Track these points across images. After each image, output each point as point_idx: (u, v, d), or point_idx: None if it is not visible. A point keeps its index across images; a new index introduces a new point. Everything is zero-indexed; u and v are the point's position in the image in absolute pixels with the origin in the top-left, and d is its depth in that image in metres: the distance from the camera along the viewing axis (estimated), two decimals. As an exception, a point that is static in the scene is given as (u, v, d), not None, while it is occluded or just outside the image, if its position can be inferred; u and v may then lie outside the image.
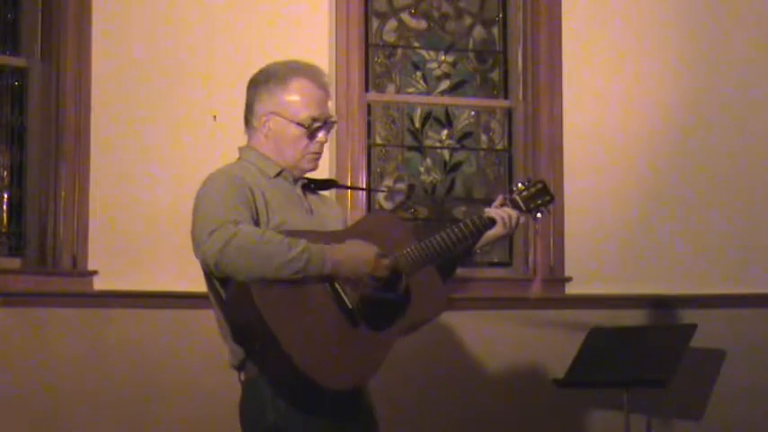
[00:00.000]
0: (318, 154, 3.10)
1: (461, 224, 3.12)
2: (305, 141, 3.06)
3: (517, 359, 5.39)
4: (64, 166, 4.87)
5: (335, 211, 3.23)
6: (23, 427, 4.69)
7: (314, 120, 3.05)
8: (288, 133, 3.05)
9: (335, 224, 3.11)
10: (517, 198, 3.23)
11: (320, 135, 3.07)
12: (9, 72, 4.97)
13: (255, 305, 2.76)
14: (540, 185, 3.27)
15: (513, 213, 3.20)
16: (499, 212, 3.18)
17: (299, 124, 3.04)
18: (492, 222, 3.16)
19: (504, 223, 3.17)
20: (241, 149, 3.12)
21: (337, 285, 2.87)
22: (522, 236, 5.48)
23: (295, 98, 3.04)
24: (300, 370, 2.75)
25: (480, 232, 3.16)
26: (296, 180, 3.10)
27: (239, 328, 2.87)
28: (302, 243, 2.81)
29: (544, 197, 3.26)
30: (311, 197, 3.13)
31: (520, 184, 3.27)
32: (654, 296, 5.55)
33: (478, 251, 3.26)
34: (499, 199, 3.24)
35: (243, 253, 2.76)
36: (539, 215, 3.26)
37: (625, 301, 5.49)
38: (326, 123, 3.08)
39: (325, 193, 3.27)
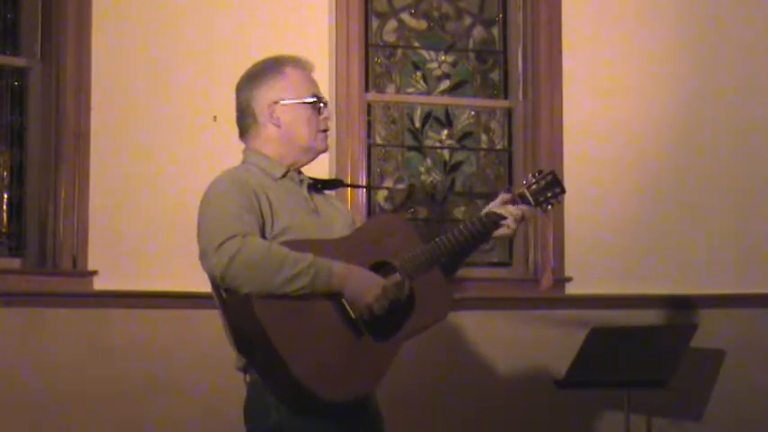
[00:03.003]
0: (327, 132, 3.11)
1: (469, 224, 3.08)
2: (315, 119, 3.07)
3: (517, 359, 5.39)
4: (64, 166, 4.87)
5: (342, 211, 3.21)
6: (23, 427, 4.69)
7: (316, 96, 3.07)
8: (297, 115, 3.05)
9: (342, 224, 3.09)
10: (526, 192, 3.16)
11: (326, 112, 3.10)
12: (9, 72, 4.97)
13: (256, 315, 2.75)
14: (549, 177, 3.19)
15: (520, 212, 3.14)
16: (507, 212, 3.12)
17: (305, 103, 3.05)
18: (501, 219, 3.12)
19: (513, 222, 3.12)
20: (245, 152, 3.11)
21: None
22: (522, 236, 5.48)
23: (294, 81, 3.07)
24: (302, 383, 2.74)
25: (489, 231, 3.12)
26: (301, 180, 3.10)
27: (241, 337, 2.86)
28: (309, 258, 2.81)
29: (554, 189, 3.19)
30: (317, 197, 3.12)
31: (530, 176, 3.20)
32: (654, 296, 5.55)
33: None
34: (509, 194, 3.18)
35: (249, 268, 2.76)
36: (549, 207, 3.19)
37: (625, 301, 5.48)
38: (325, 104, 3.11)
39: (330, 192, 3.27)
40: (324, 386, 2.77)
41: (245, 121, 3.09)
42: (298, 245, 2.86)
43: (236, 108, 3.11)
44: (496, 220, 3.11)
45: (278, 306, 2.78)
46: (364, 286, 2.85)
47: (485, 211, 3.14)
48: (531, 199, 3.16)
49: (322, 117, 3.09)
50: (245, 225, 2.84)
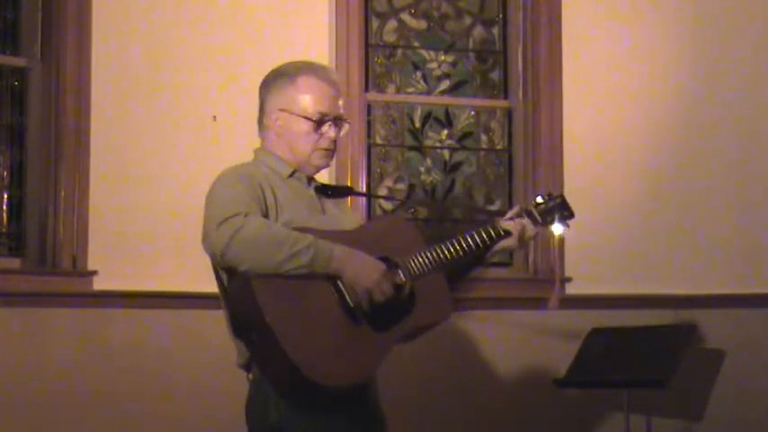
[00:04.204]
0: (329, 150, 3.09)
1: (474, 233, 3.09)
2: (314, 136, 3.06)
3: (517, 359, 5.39)
4: (64, 166, 4.87)
5: (350, 214, 3.24)
6: (23, 427, 4.69)
7: (322, 114, 3.05)
8: (297, 128, 3.05)
9: (349, 227, 3.09)
10: (534, 211, 3.20)
11: (330, 131, 3.07)
12: (9, 72, 4.97)
13: (255, 297, 2.76)
14: (559, 200, 3.23)
15: (529, 226, 3.16)
16: (515, 224, 3.14)
17: (306, 118, 3.04)
18: (507, 233, 3.13)
19: (520, 236, 3.14)
20: (256, 151, 3.13)
21: (340, 282, 2.87)
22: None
23: (304, 94, 3.05)
24: (295, 365, 2.74)
25: (494, 242, 3.13)
26: (309, 181, 3.11)
27: (238, 319, 2.87)
28: (309, 238, 2.82)
29: (563, 212, 3.23)
30: (325, 201, 3.13)
31: (539, 198, 3.24)
32: (654, 296, 5.54)
33: (488, 262, 3.24)
34: (515, 209, 3.21)
35: (249, 244, 2.77)
36: (557, 228, 3.21)
37: (625, 301, 5.48)
38: (336, 120, 3.08)
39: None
40: (317, 370, 2.76)
41: (259, 118, 3.12)
42: (302, 230, 2.87)
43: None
44: (501, 232, 3.13)
45: (277, 287, 2.79)
46: (365, 270, 2.85)
47: (491, 222, 3.15)
48: (538, 218, 3.19)
49: (325, 135, 3.07)
50: (247, 207, 2.86)
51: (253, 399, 2.96)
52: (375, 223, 3.26)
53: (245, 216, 2.81)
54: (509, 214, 3.19)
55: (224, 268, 2.89)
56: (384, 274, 2.87)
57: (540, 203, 3.22)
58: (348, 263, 2.84)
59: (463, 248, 3.06)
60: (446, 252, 3.04)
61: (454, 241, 3.06)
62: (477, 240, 3.09)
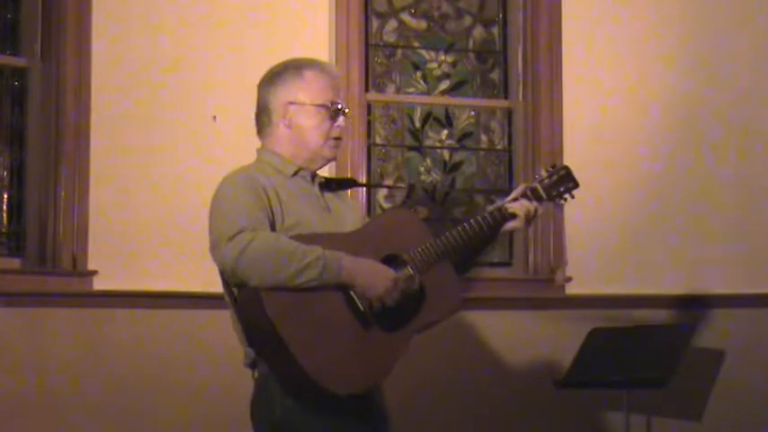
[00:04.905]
0: (339, 140, 3.10)
1: (480, 218, 3.09)
2: (327, 125, 3.07)
3: (517, 359, 5.39)
4: (64, 166, 4.87)
5: (354, 208, 3.25)
6: (22, 427, 4.69)
7: (332, 102, 3.06)
8: (307, 121, 3.06)
9: (353, 222, 3.11)
10: (538, 186, 3.18)
11: (340, 119, 3.08)
12: (9, 72, 4.97)
13: (264, 309, 2.77)
14: (563, 172, 3.21)
15: (533, 206, 3.15)
16: (519, 206, 3.13)
17: (320, 106, 3.05)
18: (512, 216, 3.13)
19: (526, 216, 3.13)
20: (258, 151, 3.13)
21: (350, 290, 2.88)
22: (523, 236, 5.47)
23: (312, 84, 3.07)
24: (309, 375, 2.76)
25: (499, 226, 3.12)
26: (313, 178, 3.11)
27: (250, 331, 2.88)
28: (317, 250, 2.82)
29: (567, 183, 3.21)
30: (328, 196, 3.14)
31: (543, 171, 3.22)
32: (654, 296, 5.54)
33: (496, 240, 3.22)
34: (520, 188, 3.20)
35: (259, 260, 2.78)
36: (561, 202, 3.21)
37: (625, 301, 5.48)
38: (344, 110, 3.09)
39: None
40: (332, 379, 2.78)
41: (261, 119, 3.12)
42: (307, 238, 2.87)
43: (256, 105, 3.12)
44: (506, 215, 3.13)
45: (287, 299, 2.80)
46: (375, 278, 2.87)
47: (495, 205, 3.16)
48: (543, 194, 3.18)
49: (335, 125, 3.08)
50: (255, 220, 2.87)
51: (258, 396, 2.97)
52: (380, 219, 3.26)
53: (254, 231, 2.82)
54: (513, 194, 3.18)
55: (234, 282, 2.89)
56: (395, 280, 2.87)
57: (544, 178, 3.20)
58: (358, 273, 2.86)
59: (469, 235, 3.06)
60: (452, 240, 3.04)
61: (460, 229, 3.06)
62: (483, 226, 3.09)
